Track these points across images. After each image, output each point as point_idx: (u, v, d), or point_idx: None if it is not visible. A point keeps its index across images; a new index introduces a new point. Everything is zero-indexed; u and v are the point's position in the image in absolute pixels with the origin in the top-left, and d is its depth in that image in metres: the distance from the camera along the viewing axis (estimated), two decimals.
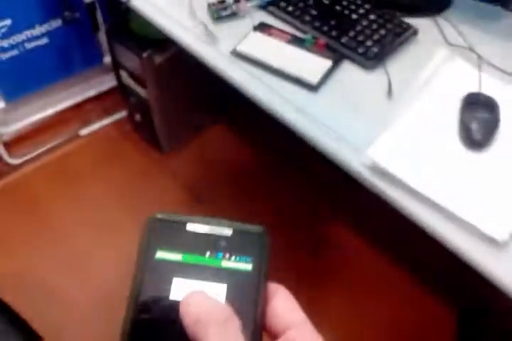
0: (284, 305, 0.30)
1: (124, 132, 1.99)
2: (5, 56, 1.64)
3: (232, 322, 0.27)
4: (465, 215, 0.73)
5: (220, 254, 0.30)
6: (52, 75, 1.79)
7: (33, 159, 1.91)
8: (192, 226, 0.31)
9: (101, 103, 2.01)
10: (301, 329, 0.29)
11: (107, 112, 2.02)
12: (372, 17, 1.02)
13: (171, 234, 0.31)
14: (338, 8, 1.05)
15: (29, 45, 1.67)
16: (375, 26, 1.01)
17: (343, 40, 0.99)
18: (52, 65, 1.77)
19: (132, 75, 1.69)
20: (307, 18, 1.02)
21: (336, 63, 0.96)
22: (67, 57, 1.78)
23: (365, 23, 1.01)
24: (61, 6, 1.65)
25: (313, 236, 1.70)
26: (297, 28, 1.03)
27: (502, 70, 0.91)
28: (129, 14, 1.60)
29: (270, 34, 1.01)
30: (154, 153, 1.93)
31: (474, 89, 0.86)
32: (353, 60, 0.98)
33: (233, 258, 0.30)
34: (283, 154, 1.85)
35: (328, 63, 0.96)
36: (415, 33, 1.01)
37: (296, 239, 1.64)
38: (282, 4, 1.05)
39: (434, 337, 1.47)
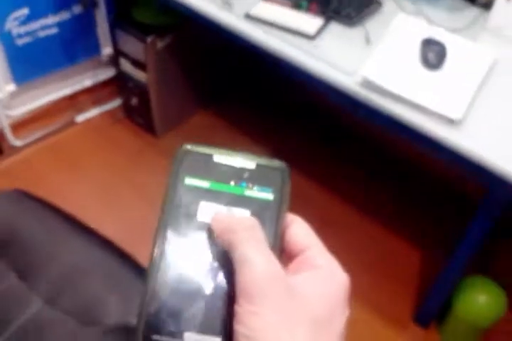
0: (300, 231, 0.33)
1: (118, 119, 2.23)
2: (20, 42, 1.87)
3: (259, 228, 0.30)
4: (431, 105, 1.06)
5: (244, 184, 0.32)
6: (57, 62, 2.03)
7: (34, 142, 2.11)
8: (218, 158, 0.33)
9: (96, 93, 2.25)
10: (316, 250, 0.32)
11: (102, 101, 2.26)
12: None
13: (199, 163, 0.33)
14: None
15: (41, 33, 1.91)
16: None
17: (331, 6, 1.32)
18: (58, 53, 2.01)
19: (133, 61, 1.96)
20: None
21: (327, 21, 1.29)
22: (71, 47, 2.03)
23: None
24: (70, 0, 1.92)
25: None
26: (292, 0, 1.35)
27: (444, 26, 1.27)
28: (132, 4, 1.89)
29: (274, 2, 1.33)
30: (148, 135, 2.17)
31: (429, 36, 1.21)
32: (338, 21, 1.31)
33: (256, 188, 0.32)
34: (271, 137, 2.15)
35: (320, 21, 1.29)
36: (380, 3, 1.37)
37: None
38: None
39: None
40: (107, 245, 1.09)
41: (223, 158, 0.33)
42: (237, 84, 2.35)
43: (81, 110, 2.22)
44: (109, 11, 1.96)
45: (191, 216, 0.32)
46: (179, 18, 1.89)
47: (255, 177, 0.33)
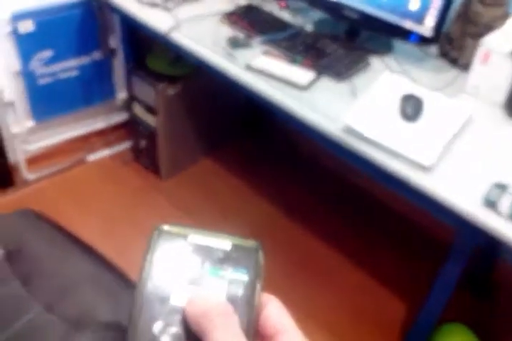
0: (275, 313, 0.32)
1: (126, 160, 2.36)
2: (42, 81, 2.03)
3: (234, 316, 0.30)
4: (405, 152, 1.16)
5: (218, 265, 0.33)
6: (75, 104, 2.19)
7: (46, 176, 2.23)
8: (193, 239, 0.33)
9: (107, 135, 2.39)
10: (290, 335, 0.32)
11: (112, 143, 2.39)
12: (340, 52, 1.52)
13: (174, 245, 0.33)
14: (317, 45, 1.54)
15: (62, 75, 2.07)
16: (342, 57, 1.50)
17: (323, 62, 1.46)
18: (76, 95, 2.17)
19: (145, 106, 2.11)
20: (297, 49, 1.51)
21: (319, 75, 1.43)
22: (89, 90, 2.20)
23: (336, 54, 1.50)
24: (91, 47, 2.09)
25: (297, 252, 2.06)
26: (289, 55, 1.50)
27: (427, 85, 1.40)
28: (148, 54, 2.06)
29: (273, 56, 1.48)
30: (153, 177, 2.29)
31: (409, 92, 1.34)
32: (329, 75, 1.45)
33: (231, 269, 0.33)
34: (269, 184, 2.26)
35: (313, 74, 1.42)
36: (368, 63, 1.50)
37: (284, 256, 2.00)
38: (281, 42, 1.54)
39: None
40: (104, 261, 1.20)
41: (198, 238, 0.34)
42: (240, 132, 2.48)
43: (92, 150, 2.35)
44: (127, 60, 2.13)
45: (165, 298, 0.31)
46: (189, 69, 2.06)
47: (230, 258, 0.33)
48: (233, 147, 2.44)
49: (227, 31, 1.59)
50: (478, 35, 1.39)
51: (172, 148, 2.23)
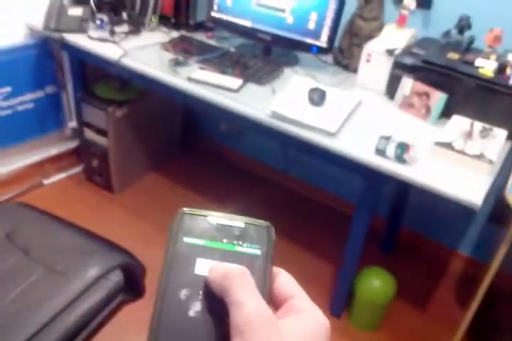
0: (285, 282, 0.37)
1: (79, 181, 2.66)
2: (1, 113, 2.31)
3: (250, 276, 0.34)
4: (316, 124, 1.59)
5: (235, 241, 0.37)
6: (30, 132, 2.47)
7: (7, 200, 2.47)
8: (212, 219, 0.38)
9: (60, 161, 2.68)
10: (300, 298, 0.36)
11: (65, 168, 2.68)
12: (260, 64, 1.95)
13: (195, 224, 0.37)
14: (241, 60, 1.97)
15: (20, 107, 2.37)
16: (262, 68, 1.93)
17: (247, 72, 1.89)
18: (31, 125, 2.46)
19: (96, 129, 2.44)
20: (226, 64, 1.93)
21: (245, 81, 1.85)
22: (43, 120, 2.50)
23: (257, 66, 1.94)
24: (44, 82, 2.42)
25: None
26: (220, 69, 1.91)
27: (327, 83, 1.86)
28: (94, 84, 2.41)
29: (208, 70, 1.89)
30: (106, 193, 2.59)
31: (314, 86, 1.78)
32: (253, 81, 1.87)
33: (245, 244, 0.37)
34: (214, 192, 2.63)
35: (241, 81, 1.84)
36: (282, 71, 1.95)
37: None
38: (213, 60, 1.95)
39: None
40: (84, 232, 1.55)
41: (216, 218, 0.38)
42: (179, 149, 2.87)
43: (48, 175, 2.62)
44: (76, 91, 2.46)
45: (189, 269, 0.35)
46: (133, 94, 2.43)
47: (244, 235, 0.37)
48: (174, 162, 2.82)
49: (168, 55, 1.99)
50: (362, 45, 1.87)
51: (122, 164, 2.56)
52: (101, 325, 1.41)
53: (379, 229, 2.32)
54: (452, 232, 2.30)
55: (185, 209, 0.38)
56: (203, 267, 0.35)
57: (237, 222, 0.38)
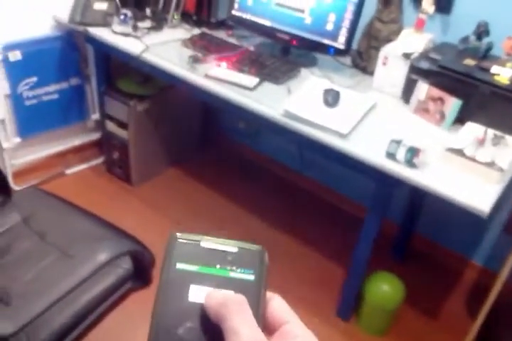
0: (279, 307, 0.37)
1: (100, 172, 2.72)
2: (27, 103, 2.38)
3: (247, 303, 0.35)
4: (328, 125, 1.60)
5: (228, 267, 0.37)
6: (55, 123, 2.54)
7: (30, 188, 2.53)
8: (205, 244, 0.37)
9: (82, 152, 2.74)
10: (293, 323, 0.36)
11: (87, 159, 2.75)
12: (277, 64, 1.97)
13: (188, 249, 0.37)
14: (259, 59, 1.99)
15: (45, 98, 2.44)
16: (279, 68, 1.95)
17: (264, 71, 1.91)
18: (56, 115, 2.53)
19: (117, 121, 2.49)
20: (244, 62, 1.95)
21: (262, 80, 1.87)
22: (67, 111, 2.56)
23: (274, 65, 1.95)
24: (69, 73, 2.48)
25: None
26: (238, 67, 1.93)
27: (344, 85, 1.86)
28: (118, 78, 2.46)
29: (226, 67, 1.91)
30: (125, 184, 2.64)
31: (329, 87, 1.79)
32: (269, 80, 1.89)
33: (238, 270, 0.37)
34: (229, 189, 2.66)
35: (257, 80, 1.86)
36: (299, 71, 1.96)
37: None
38: (231, 58, 1.98)
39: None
40: (99, 220, 1.58)
41: (209, 243, 0.37)
42: (199, 145, 2.90)
43: (70, 165, 2.69)
44: (99, 84, 2.52)
45: (183, 296, 0.35)
46: (155, 89, 2.47)
47: (238, 260, 0.37)
48: (194, 157, 2.85)
49: (187, 51, 2.02)
50: (380, 48, 1.87)
51: (142, 157, 2.60)
52: (109, 310, 1.46)
53: (392, 234, 2.32)
54: (467, 241, 2.28)
55: (177, 234, 0.38)
56: (197, 294, 0.35)
57: (230, 246, 0.38)
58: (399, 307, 1.92)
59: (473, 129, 1.60)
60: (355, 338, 2.00)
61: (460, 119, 1.65)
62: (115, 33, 2.13)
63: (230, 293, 0.35)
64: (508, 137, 1.56)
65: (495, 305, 1.66)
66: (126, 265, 1.49)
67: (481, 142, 1.55)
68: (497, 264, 2.10)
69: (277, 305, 0.37)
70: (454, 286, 2.29)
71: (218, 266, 0.37)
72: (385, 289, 1.88)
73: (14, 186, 2.47)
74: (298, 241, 2.37)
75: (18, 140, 2.42)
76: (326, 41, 1.93)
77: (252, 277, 0.37)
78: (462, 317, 2.12)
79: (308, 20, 1.93)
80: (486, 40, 1.65)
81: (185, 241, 0.37)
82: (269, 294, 0.38)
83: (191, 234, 0.38)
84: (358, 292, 1.94)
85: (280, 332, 0.36)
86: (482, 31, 1.61)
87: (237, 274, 0.37)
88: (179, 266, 0.36)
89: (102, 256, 1.42)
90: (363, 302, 1.95)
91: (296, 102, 1.71)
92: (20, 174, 2.53)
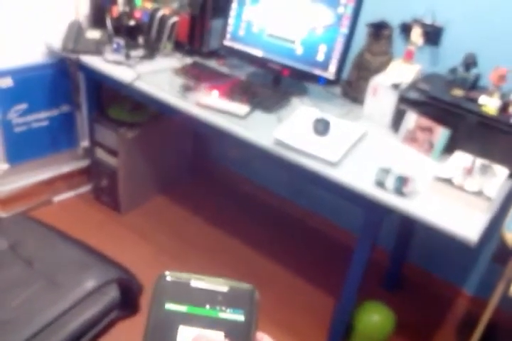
0: None
1: (88, 200, 2.69)
2: (17, 130, 2.38)
3: None
4: (317, 154, 1.61)
5: (218, 307, 0.36)
6: (44, 150, 2.53)
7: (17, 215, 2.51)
8: (195, 283, 0.37)
9: (70, 179, 2.72)
10: None
11: (75, 186, 2.73)
12: (268, 93, 1.99)
13: (178, 289, 0.37)
14: (251, 88, 2.01)
15: (35, 125, 2.43)
16: (270, 97, 1.97)
17: (255, 100, 1.93)
18: (45, 142, 2.52)
19: (107, 149, 2.49)
20: (236, 91, 1.97)
21: (253, 108, 1.88)
22: (57, 138, 2.55)
23: (265, 94, 1.98)
24: (60, 100, 2.48)
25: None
26: (229, 96, 1.95)
27: (334, 114, 1.88)
28: (108, 106, 2.47)
29: (218, 96, 1.93)
30: (113, 213, 2.62)
31: (319, 116, 1.81)
32: (261, 109, 1.91)
33: (228, 310, 0.36)
34: (216, 216, 2.65)
35: (248, 108, 1.87)
36: (289, 100, 1.98)
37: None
38: (223, 87, 2.00)
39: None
40: (85, 247, 1.57)
41: (199, 283, 0.37)
42: (188, 173, 2.90)
43: (57, 192, 2.67)
44: (90, 111, 2.52)
45: (172, 338, 0.35)
46: (145, 117, 2.48)
47: (228, 300, 0.36)
48: (183, 186, 2.84)
49: (179, 80, 2.04)
50: (370, 78, 1.90)
51: (130, 185, 2.59)
52: (95, 339, 1.42)
53: (383, 262, 2.31)
54: (458, 270, 2.28)
55: (166, 272, 0.37)
56: (186, 335, 0.35)
57: (221, 286, 0.37)
58: (389, 337, 1.89)
59: (461, 158, 1.62)
60: None
61: (449, 148, 1.67)
62: (108, 61, 2.15)
63: (219, 336, 0.35)
64: (495, 166, 1.57)
65: (485, 333, 1.65)
66: (113, 293, 1.46)
67: (469, 171, 1.56)
68: (487, 293, 2.10)
69: None
70: (445, 315, 2.27)
71: (208, 307, 0.36)
72: (375, 319, 1.86)
73: (1, 213, 2.44)
74: (287, 269, 2.36)
75: (6, 166, 2.40)
76: (317, 71, 1.96)
77: (242, 317, 0.36)
78: None
79: (299, 51, 1.96)
80: (473, 71, 1.69)
81: (174, 280, 0.37)
82: (259, 334, 0.37)
83: (181, 273, 0.38)
84: (348, 321, 1.92)
85: None
86: (470, 63, 1.65)
87: (227, 314, 0.36)
88: (168, 306, 0.36)
89: (89, 284, 1.40)
90: (353, 332, 1.93)
91: (287, 131, 1.72)
92: (8, 201, 2.50)
